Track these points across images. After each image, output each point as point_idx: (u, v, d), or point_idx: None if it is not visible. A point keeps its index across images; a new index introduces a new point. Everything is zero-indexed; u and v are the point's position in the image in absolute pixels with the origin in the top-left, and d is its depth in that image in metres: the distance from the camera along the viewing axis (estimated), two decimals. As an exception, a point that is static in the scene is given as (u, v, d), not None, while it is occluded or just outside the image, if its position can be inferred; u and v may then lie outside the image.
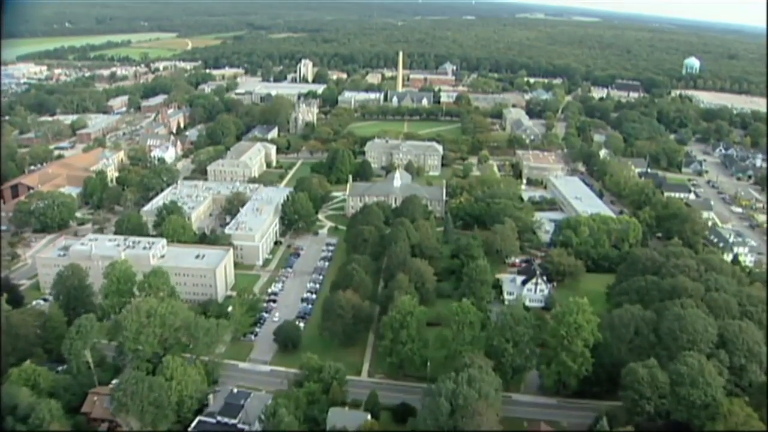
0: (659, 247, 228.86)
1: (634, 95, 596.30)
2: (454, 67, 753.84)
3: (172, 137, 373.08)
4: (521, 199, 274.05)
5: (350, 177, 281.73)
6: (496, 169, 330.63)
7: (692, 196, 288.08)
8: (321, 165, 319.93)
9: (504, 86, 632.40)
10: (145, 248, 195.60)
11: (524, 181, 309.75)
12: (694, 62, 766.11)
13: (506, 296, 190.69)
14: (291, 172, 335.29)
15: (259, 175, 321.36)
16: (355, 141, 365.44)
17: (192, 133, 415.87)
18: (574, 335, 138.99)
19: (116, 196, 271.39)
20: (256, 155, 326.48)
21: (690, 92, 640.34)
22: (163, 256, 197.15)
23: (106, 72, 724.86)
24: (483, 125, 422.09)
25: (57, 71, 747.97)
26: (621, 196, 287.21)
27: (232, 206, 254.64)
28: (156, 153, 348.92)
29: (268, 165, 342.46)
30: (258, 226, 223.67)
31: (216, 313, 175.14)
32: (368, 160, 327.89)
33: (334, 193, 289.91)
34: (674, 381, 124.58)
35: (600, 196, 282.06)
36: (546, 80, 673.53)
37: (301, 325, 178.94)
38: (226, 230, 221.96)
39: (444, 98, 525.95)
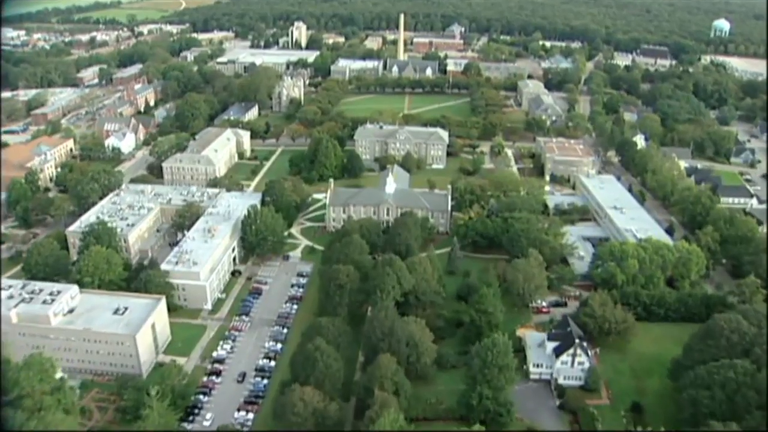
0: (727, 280, 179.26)
1: (662, 62, 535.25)
2: (462, 29, 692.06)
3: (133, 120, 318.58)
4: (546, 206, 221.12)
5: (332, 181, 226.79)
6: (512, 161, 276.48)
7: (754, 202, 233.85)
8: (302, 157, 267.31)
9: (518, 51, 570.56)
10: (46, 301, 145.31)
11: (548, 178, 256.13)
12: (723, 24, 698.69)
13: (532, 368, 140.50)
14: (267, 165, 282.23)
15: (228, 169, 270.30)
16: (344, 124, 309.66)
17: (161, 113, 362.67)
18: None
19: (45, 205, 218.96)
20: (223, 146, 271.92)
21: (721, 58, 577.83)
22: (71, 311, 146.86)
23: (86, 37, 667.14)
24: (496, 101, 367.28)
25: (36, 36, 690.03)
26: (668, 200, 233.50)
27: (184, 219, 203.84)
28: (112, 141, 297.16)
29: (241, 156, 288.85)
30: (206, 257, 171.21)
31: (133, 399, 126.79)
32: (358, 151, 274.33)
33: (316, 195, 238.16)
34: None
35: (641, 201, 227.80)
36: (563, 44, 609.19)
37: (250, 416, 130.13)
38: (164, 264, 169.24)
39: (451, 66, 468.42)
